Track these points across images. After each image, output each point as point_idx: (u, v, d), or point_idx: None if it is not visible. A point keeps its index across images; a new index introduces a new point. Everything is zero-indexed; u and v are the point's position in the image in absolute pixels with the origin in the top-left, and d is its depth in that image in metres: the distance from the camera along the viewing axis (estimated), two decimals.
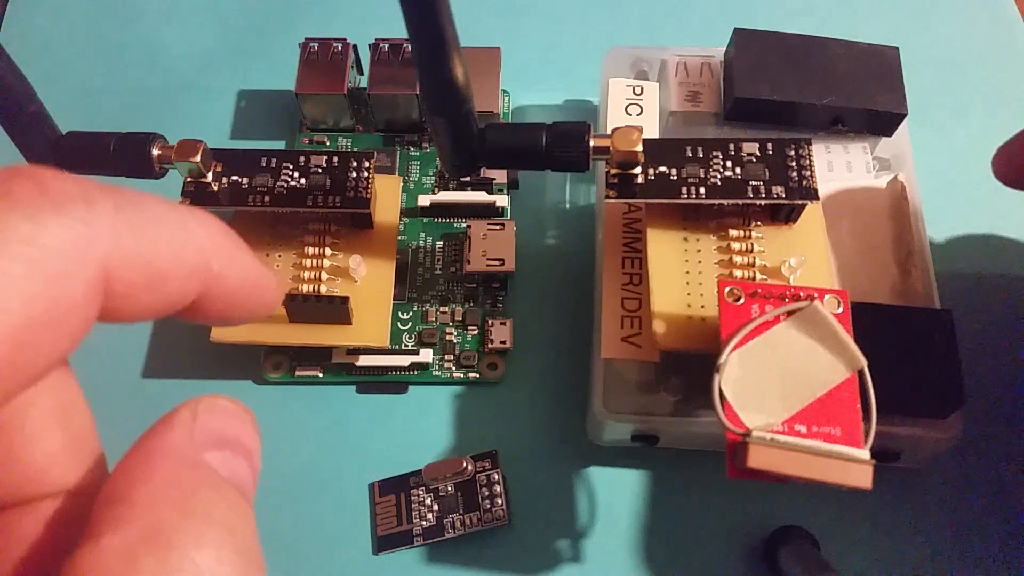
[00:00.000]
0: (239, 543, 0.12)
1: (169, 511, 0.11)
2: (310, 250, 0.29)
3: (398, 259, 0.30)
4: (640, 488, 0.29)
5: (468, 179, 0.34)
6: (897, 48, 0.31)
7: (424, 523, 0.29)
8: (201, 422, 0.13)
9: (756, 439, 0.20)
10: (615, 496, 0.29)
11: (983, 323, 0.32)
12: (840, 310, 0.23)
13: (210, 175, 0.28)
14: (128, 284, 0.12)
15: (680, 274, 0.27)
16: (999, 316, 0.32)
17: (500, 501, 0.29)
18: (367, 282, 0.29)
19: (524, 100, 0.37)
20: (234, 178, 0.28)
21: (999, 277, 0.33)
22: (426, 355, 0.31)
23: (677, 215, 0.28)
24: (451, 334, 0.32)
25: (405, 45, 0.34)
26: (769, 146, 0.27)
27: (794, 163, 0.26)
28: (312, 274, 0.29)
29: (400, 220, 0.31)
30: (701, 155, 0.27)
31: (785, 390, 0.21)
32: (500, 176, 0.34)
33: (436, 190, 0.34)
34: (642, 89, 0.32)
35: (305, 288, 0.29)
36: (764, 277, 0.26)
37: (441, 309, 0.32)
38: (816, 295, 0.23)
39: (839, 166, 0.31)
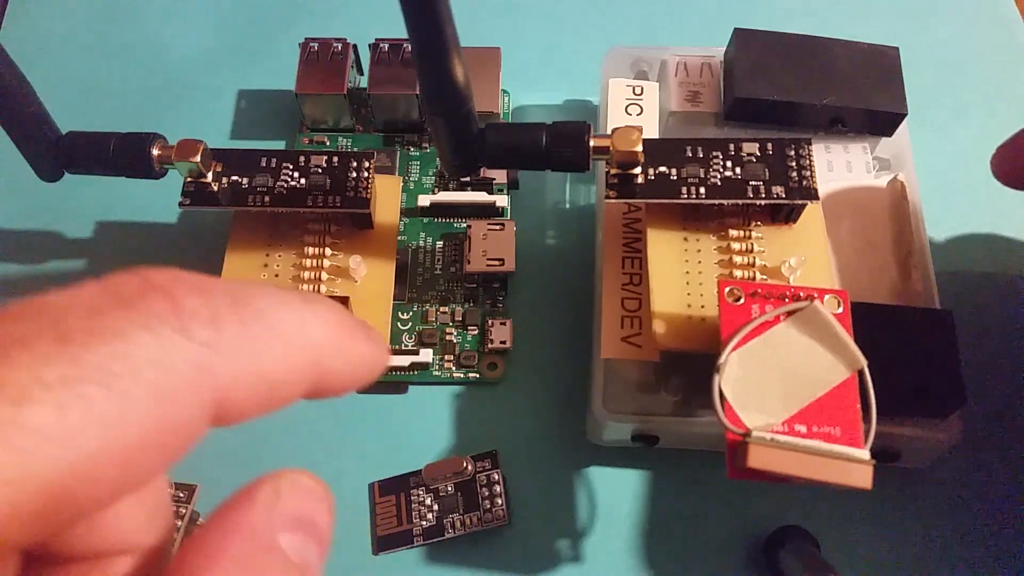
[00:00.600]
0: None
1: None
2: (310, 250, 0.29)
3: (398, 259, 0.30)
4: (640, 488, 0.29)
5: (468, 179, 0.34)
6: (897, 48, 0.31)
7: (424, 523, 0.29)
8: (283, 502, 0.13)
9: (756, 439, 0.20)
10: (615, 496, 0.29)
11: (983, 323, 0.32)
12: (840, 310, 0.23)
13: (210, 175, 0.28)
14: (241, 399, 0.12)
15: (680, 274, 0.27)
16: (999, 316, 0.32)
17: (500, 501, 0.29)
18: (367, 282, 0.29)
19: (524, 100, 0.37)
20: (234, 178, 0.28)
21: (999, 277, 0.33)
22: (426, 355, 0.31)
23: (677, 215, 0.28)
24: (451, 334, 0.32)
25: (405, 45, 0.34)
26: (769, 146, 0.27)
27: (794, 163, 0.26)
28: (312, 274, 0.29)
29: (400, 220, 0.31)
30: (701, 155, 0.27)
31: (785, 390, 0.21)
32: (500, 176, 0.34)
33: (436, 190, 0.34)
34: (642, 89, 0.32)
35: (305, 288, 0.29)
36: (764, 277, 0.26)
37: (441, 309, 0.32)
38: (816, 295, 0.23)
39: (839, 166, 0.31)
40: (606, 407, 0.27)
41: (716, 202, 0.26)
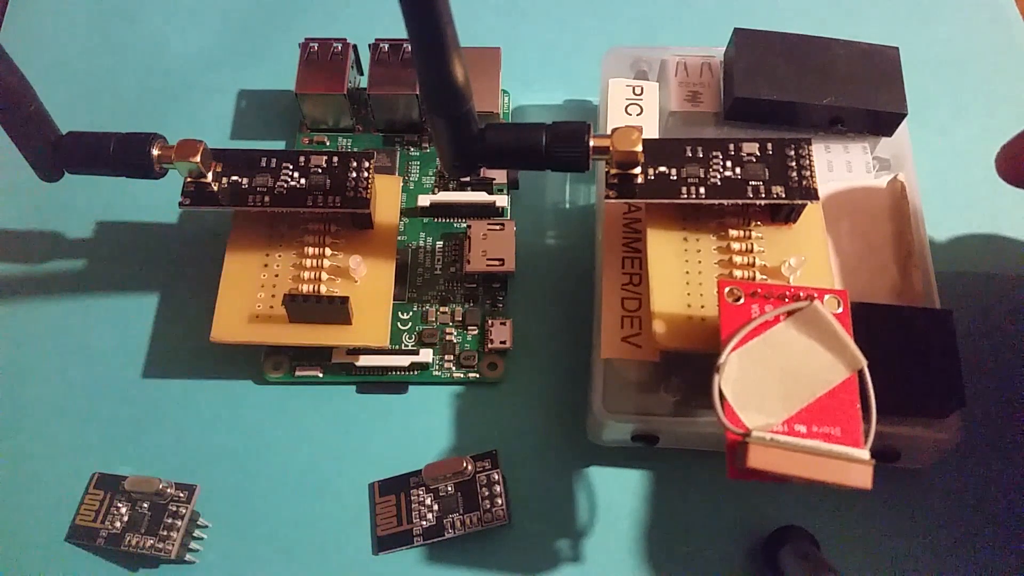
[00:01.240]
0: None
1: None
2: (310, 250, 0.29)
3: (398, 259, 0.30)
4: (640, 488, 0.29)
5: (468, 179, 0.34)
6: (897, 48, 0.31)
7: (424, 523, 0.29)
8: None
9: (756, 439, 0.20)
10: (615, 496, 0.29)
11: (983, 323, 0.32)
12: (840, 310, 0.23)
13: (210, 175, 0.28)
14: None
15: (680, 274, 0.27)
16: (999, 316, 0.32)
17: (500, 501, 0.29)
18: (367, 282, 0.29)
19: (524, 100, 0.37)
20: (234, 178, 0.28)
21: (999, 277, 0.33)
22: (426, 355, 0.31)
23: (677, 215, 0.28)
24: (451, 334, 0.32)
25: (405, 45, 0.34)
26: (769, 146, 0.27)
27: (794, 163, 0.26)
28: (312, 274, 0.29)
29: (400, 220, 0.31)
30: (701, 155, 0.27)
31: (785, 390, 0.21)
32: (500, 176, 0.34)
33: (436, 190, 0.34)
34: (642, 89, 0.32)
35: (305, 288, 0.29)
36: (764, 277, 0.26)
37: (441, 309, 0.32)
38: (816, 295, 0.23)
39: (839, 166, 0.31)
40: (606, 407, 0.27)
41: (716, 202, 0.26)
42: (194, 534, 0.28)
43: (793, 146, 0.27)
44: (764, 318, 0.22)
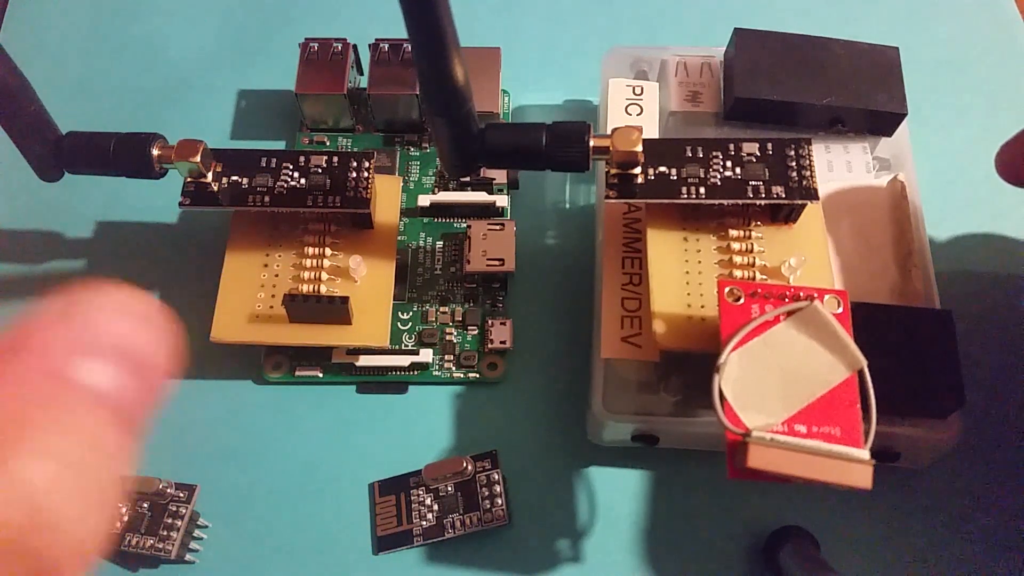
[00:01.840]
0: (80, 472, 0.10)
1: (7, 431, 0.10)
2: (310, 250, 0.29)
3: (398, 259, 0.30)
4: (640, 488, 0.29)
5: (468, 179, 0.34)
6: (897, 48, 0.31)
7: (424, 523, 0.29)
8: (81, 322, 0.11)
9: (756, 439, 0.20)
10: (615, 496, 0.29)
11: (983, 323, 0.32)
12: (840, 310, 0.23)
13: (210, 175, 0.28)
14: None
15: (680, 274, 0.27)
16: (999, 316, 0.32)
17: (500, 501, 0.29)
18: (367, 282, 0.29)
19: (524, 100, 0.37)
20: (234, 178, 0.28)
21: (999, 277, 0.33)
22: (426, 355, 0.31)
23: (677, 215, 0.28)
24: (451, 334, 0.32)
25: (405, 45, 0.34)
26: (769, 146, 0.27)
27: (794, 163, 0.26)
28: (312, 274, 0.29)
29: (400, 220, 0.31)
30: (701, 155, 0.27)
31: (785, 390, 0.21)
32: (500, 176, 0.34)
33: (436, 190, 0.34)
34: (642, 89, 0.32)
35: (305, 288, 0.29)
36: (764, 277, 0.26)
37: (441, 309, 0.32)
38: (816, 295, 0.23)
39: (839, 166, 0.31)
40: (606, 407, 0.27)
41: (716, 202, 0.26)
42: (194, 534, 0.28)
43: (793, 146, 0.27)
44: (764, 318, 0.22)
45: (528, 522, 0.29)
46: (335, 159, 0.29)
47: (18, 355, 0.11)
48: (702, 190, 0.26)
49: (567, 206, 0.35)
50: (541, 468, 0.30)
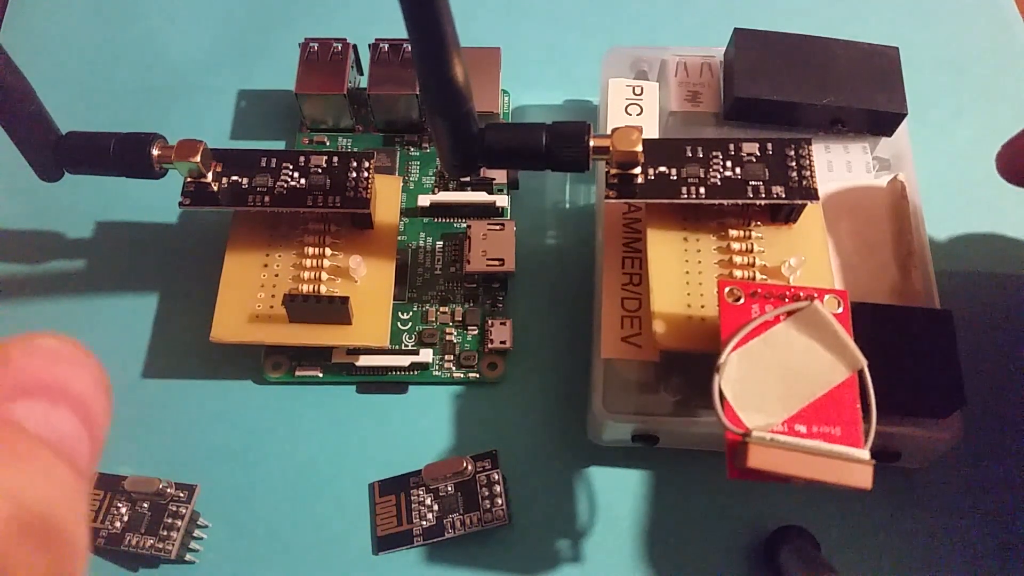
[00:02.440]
0: (32, 516, 0.10)
1: None
2: (310, 250, 0.29)
3: (398, 259, 0.30)
4: (640, 488, 0.29)
5: (468, 179, 0.34)
6: (897, 48, 0.31)
7: (424, 523, 0.29)
8: (15, 367, 0.11)
9: (756, 439, 0.20)
10: (615, 496, 0.29)
11: (983, 323, 0.32)
12: (840, 310, 0.23)
13: (210, 175, 0.28)
14: None
15: (680, 274, 0.27)
16: (999, 316, 0.32)
17: (500, 501, 0.29)
18: (367, 282, 0.29)
19: (524, 100, 0.37)
20: (234, 178, 0.28)
21: (999, 277, 0.33)
22: (426, 355, 0.31)
23: (677, 215, 0.28)
24: (451, 334, 0.32)
25: (405, 45, 0.34)
26: (769, 146, 0.27)
27: (794, 163, 0.26)
28: (312, 274, 0.29)
29: (400, 220, 0.31)
30: (701, 155, 0.27)
31: (785, 390, 0.21)
32: (500, 176, 0.34)
33: (436, 190, 0.34)
34: (642, 89, 0.32)
35: (305, 288, 0.29)
36: (764, 277, 0.26)
37: (441, 309, 0.32)
38: (816, 295, 0.23)
39: (839, 166, 0.31)
40: (606, 407, 0.27)
41: (716, 202, 0.26)
42: (194, 534, 0.28)
43: (793, 146, 0.27)
44: (764, 318, 0.22)
45: (528, 522, 0.29)
46: (335, 159, 0.29)
47: None
48: (702, 190, 0.26)
49: (567, 206, 0.35)
50: (541, 468, 0.30)
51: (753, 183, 0.26)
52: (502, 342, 0.31)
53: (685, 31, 0.39)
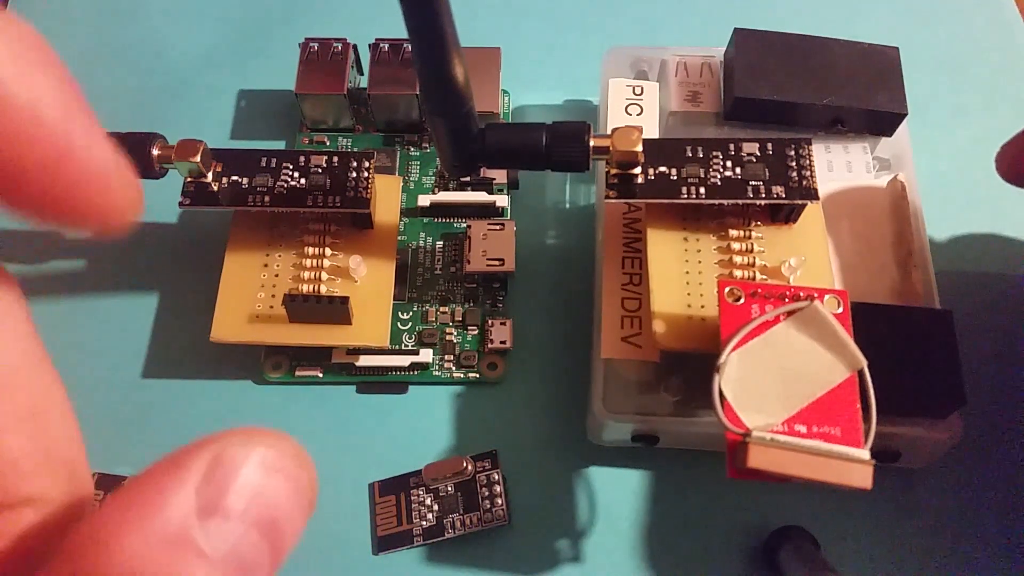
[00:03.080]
0: None
1: None
2: (310, 250, 0.29)
3: (398, 259, 0.30)
4: (640, 488, 0.29)
5: (468, 179, 0.34)
6: (897, 48, 0.31)
7: (424, 523, 0.29)
8: (221, 477, 0.10)
9: (756, 439, 0.20)
10: (615, 496, 0.29)
11: (983, 323, 0.32)
12: (840, 310, 0.23)
13: (210, 175, 0.28)
14: None
15: (680, 274, 0.27)
16: (999, 316, 0.32)
17: (500, 501, 0.29)
18: (367, 282, 0.29)
19: (524, 100, 0.37)
20: (234, 178, 0.28)
21: (999, 277, 0.33)
22: (426, 355, 0.31)
23: (677, 215, 0.28)
24: (451, 334, 0.32)
25: (405, 45, 0.34)
26: (769, 146, 0.27)
27: (794, 163, 0.26)
28: (312, 274, 0.29)
29: (400, 220, 0.31)
30: (701, 155, 0.27)
31: (785, 390, 0.21)
32: (500, 176, 0.34)
33: (436, 190, 0.34)
34: (642, 89, 0.32)
35: (305, 288, 0.29)
36: (764, 277, 0.26)
37: (441, 309, 0.32)
38: (816, 295, 0.23)
39: (839, 166, 0.31)
40: (606, 407, 0.27)
41: (716, 202, 0.26)
42: None
43: (793, 146, 0.27)
44: (764, 318, 0.22)
45: (528, 522, 0.29)
46: (335, 159, 0.29)
47: (140, 514, 0.10)
48: (702, 190, 0.26)
49: (567, 206, 0.35)
50: (541, 468, 0.30)
51: (753, 183, 0.26)
52: (502, 342, 0.31)
53: (685, 31, 0.39)
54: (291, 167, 0.29)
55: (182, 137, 0.28)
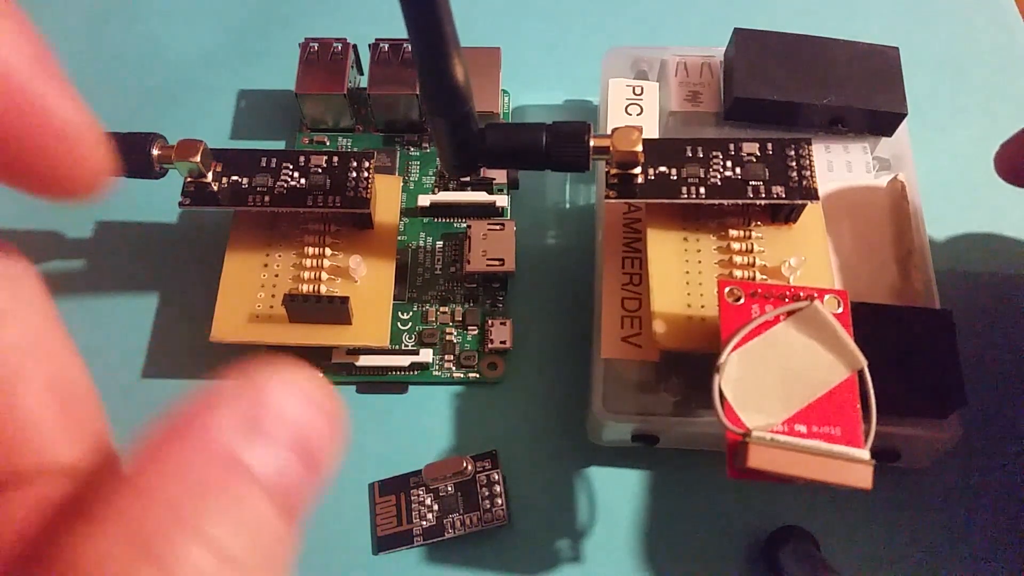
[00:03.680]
0: (239, 568, 0.10)
1: (165, 517, 0.09)
2: (310, 250, 0.29)
3: (398, 259, 0.30)
4: (640, 488, 0.29)
5: (468, 179, 0.34)
6: (897, 48, 0.31)
7: (424, 523, 0.29)
8: (265, 403, 0.10)
9: (756, 439, 0.20)
10: (615, 496, 0.29)
11: (983, 323, 0.32)
12: (840, 310, 0.23)
13: (210, 175, 0.28)
14: None
15: (680, 274, 0.27)
16: (999, 316, 0.32)
17: (500, 501, 0.29)
18: (367, 282, 0.29)
19: (524, 100, 0.37)
20: (234, 178, 0.28)
21: (999, 277, 0.33)
22: (426, 355, 0.31)
23: (677, 215, 0.28)
24: (451, 334, 0.32)
25: (405, 45, 0.34)
26: (769, 146, 0.27)
27: (794, 163, 0.26)
28: (312, 274, 0.29)
29: (400, 220, 0.31)
30: (701, 155, 0.27)
31: (785, 390, 0.21)
32: (500, 176, 0.34)
33: (436, 190, 0.34)
34: (642, 89, 0.32)
35: (305, 288, 0.29)
36: (764, 277, 0.26)
37: (441, 309, 0.32)
38: (816, 295, 0.23)
39: (839, 166, 0.31)
40: (606, 407, 0.27)
41: (716, 202, 0.26)
42: None
43: (793, 146, 0.27)
44: (764, 318, 0.22)
45: (528, 522, 0.29)
46: (335, 159, 0.29)
47: (185, 436, 0.10)
48: (702, 190, 0.26)
49: (567, 206, 0.35)
50: (541, 468, 0.30)
51: (753, 183, 0.26)
52: (502, 342, 0.31)
53: (685, 31, 0.39)
54: (291, 167, 0.29)
55: (182, 137, 0.28)
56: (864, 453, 0.20)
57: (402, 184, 0.33)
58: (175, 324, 0.32)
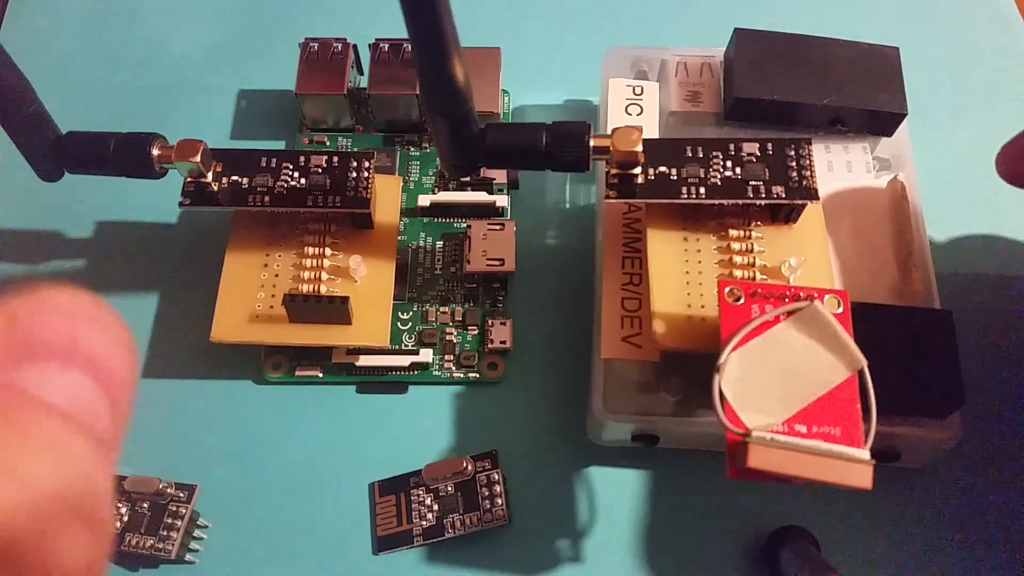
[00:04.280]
0: (44, 493, 0.09)
1: None
2: (310, 250, 0.29)
3: (398, 259, 0.30)
4: (640, 488, 0.29)
5: (468, 179, 0.34)
6: (897, 48, 0.31)
7: (424, 523, 0.29)
8: (21, 326, 0.10)
9: (756, 439, 0.20)
10: (615, 496, 0.29)
11: (983, 323, 0.32)
12: (840, 310, 0.23)
13: (210, 175, 0.28)
14: None
15: (680, 274, 0.27)
16: (999, 316, 0.32)
17: (500, 501, 0.29)
18: (367, 282, 0.29)
19: (524, 100, 0.37)
20: (234, 178, 0.28)
21: (999, 277, 0.33)
22: (426, 355, 0.31)
23: (677, 215, 0.28)
24: (451, 334, 0.32)
25: (405, 45, 0.34)
26: (769, 146, 0.27)
27: (794, 163, 0.26)
28: (312, 274, 0.29)
29: (400, 220, 0.31)
30: (701, 155, 0.27)
31: (785, 390, 0.21)
32: (500, 176, 0.34)
33: (436, 190, 0.34)
34: (642, 89, 0.32)
35: (305, 288, 0.29)
36: (764, 277, 0.26)
37: (441, 309, 0.32)
38: (816, 295, 0.23)
39: (839, 166, 0.31)
40: (606, 407, 0.27)
41: (716, 202, 0.26)
42: (194, 534, 0.28)
43: (793, 146, 0.27)
44: (764, 318, 0.22)
45: (528, 522, 0.29)
46: (335, 159, 0.29)
47: None
48: (702, 190, 0.26)
49: (567, 206, 0.35)
50: (541, 468, 0.30)
51: (753, 183, 0.26)
52: (502, 342, 0.31)
53: (685, 31, 0.39)
54: (291, 167, 0.29)
55: (182, 137, 0.28)
56: (864, 453, 0.20)
57: (402, 184, 0.33)
58: (175, 324, 0.32)
